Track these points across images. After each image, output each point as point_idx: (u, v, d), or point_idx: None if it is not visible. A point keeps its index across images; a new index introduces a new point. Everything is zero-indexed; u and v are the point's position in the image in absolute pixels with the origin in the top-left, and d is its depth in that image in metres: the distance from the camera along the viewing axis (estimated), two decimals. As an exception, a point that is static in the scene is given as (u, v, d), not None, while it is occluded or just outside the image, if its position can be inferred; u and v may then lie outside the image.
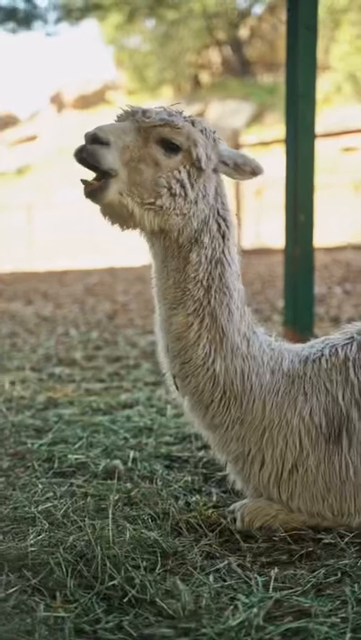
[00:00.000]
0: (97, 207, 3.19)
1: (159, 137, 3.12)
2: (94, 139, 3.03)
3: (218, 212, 3.24)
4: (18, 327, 9.98)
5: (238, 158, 3.25)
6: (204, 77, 49.71)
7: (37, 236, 33.47)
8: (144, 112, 3.16)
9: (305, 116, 6.57)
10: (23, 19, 26.55)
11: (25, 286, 16.69)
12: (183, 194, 3.13)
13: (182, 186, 3.13)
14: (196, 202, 3.17)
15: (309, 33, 6.56)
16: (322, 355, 3.34)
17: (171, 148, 3.13)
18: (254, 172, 3.27)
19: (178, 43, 45.78)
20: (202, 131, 3.20)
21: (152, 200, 3.10)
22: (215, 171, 3.25)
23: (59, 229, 31.51)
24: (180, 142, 3.13)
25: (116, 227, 3.23)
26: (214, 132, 3.27)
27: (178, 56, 46.53)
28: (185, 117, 3.22)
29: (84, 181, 3.10)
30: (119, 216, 3.15)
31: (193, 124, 3.20)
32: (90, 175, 3.13)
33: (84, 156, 3.02)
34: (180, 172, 3.13)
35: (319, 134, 7.13)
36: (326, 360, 3.31)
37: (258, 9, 48.50)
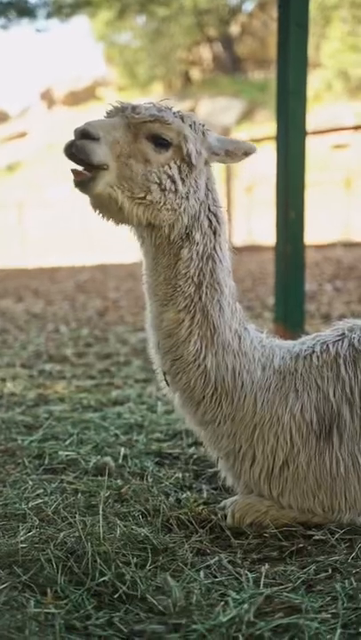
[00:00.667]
0: (88, 203, 3.18)
1: (149, 133, 3.11)
2: (84, 134, 3.01)
3: (209, 208, 3.23)
4: (8, 324, 9.97)
5: (229, 145, 3.27)
6: (195, 74, 49.69)
7: (28, 233, 33.40)
8: (133, 108, 3.16)
9: (296, 113, 6.57)
10: (14, 14, 26.46)
11: (15, 283, 16.67)
12: (174, 189, 3.12)
13: (173, 181, 3.12)
14: (187, 197, 3.16)
15: (300, 30, 6.56)
16: (313, 351, 3.34)
17: (161, 143, 3.12)
18: (247, 152, 3.27)
19: (168, 39, 45.74)
20: (191, 125, 3.19)
21: (142, 195, 3.09)
22: (207, 164, 3.25)
23: (50, 226, 31.46)
24: (170, 138, 3.12)
25: (109, 221, 3.21)
26: (203, 126, 3.26)
27: (168, 53, 46.49)
28: (174, 113, 3.21)
29: (74, 171, 3.07)
30: (108, 209, 3.14)
31: (182, 119, 3.19)
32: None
33: (74, 152, 3.00)
34: (170, 167, 3.12)
35: (310, 132, 7.11)
36: (317, 357, 3.31)
37: (249, 6, 48.54)
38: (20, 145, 50.53)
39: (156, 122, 3.11)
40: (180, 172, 3.14)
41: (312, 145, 7.14)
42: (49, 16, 28.35)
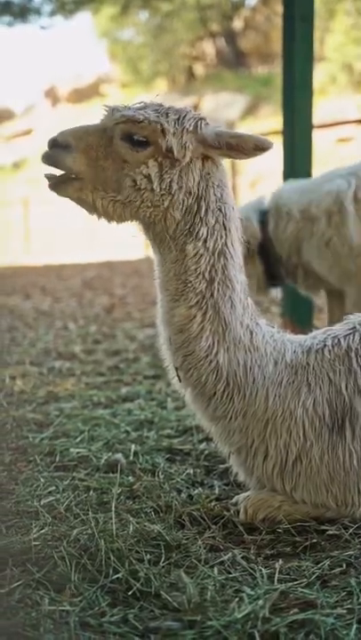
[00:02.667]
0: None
1: (123, 133, 3.14)
2: (54, 143, 3.16)
3: (210, 203, 3.19)
4: (17, 321, 9.97)
5: (230, 139, 3.16)
6: (198, 69, 49.61)
7: (34, 231, 33.43)
8: (112, 111, 3.21)
9: (302, 106, 6.58)
10: (18, 12, 26.46)
11: (23, 280, 16.69)
12: (150, 187, 3.12)
13: (149, 180, 3.12)
14: (169, 192, 3.14)
15: (305, 24, 6.57)
16: (325, 345, 3.33)
17: (137, 142, 3.13)
18: (258, 147, 3.15)
19: (172, 35, 45.65)
20: (177, 119, 3.15)
21: (114, 195, 3.15)
22: (203, 159, 3.20)
23: (56, 223, 31.47)
24: (144, 136, 3.12)
25: (99, 218, 3.29)
26: (199, 119, 3.19)
27: (172, 48, 46.42)
28: (157, 109, 3.19)
29: (47, 176, 3.25)
30: (86, 208, 3.26)
31: (166, 114, 3.16)
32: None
33: (44, 161, 3.18)
34: (147, 165, 3.12)
35: (315, 125, 7.11)
36: (329, 350, 3.30)
37: (251, 0, 48.44)
38: (25, 142, 50.54)
39: (128, 122, 3.13)
40: (160, 168, 3.13)
41: (317, 139, 7.12)
42: (53, 13, 28.36)
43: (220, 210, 3.21)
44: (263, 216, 6.05)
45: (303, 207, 5.81)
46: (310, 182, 6.05)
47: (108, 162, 3.14)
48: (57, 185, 3.22)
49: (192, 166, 3.17)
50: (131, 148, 3.12)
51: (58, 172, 3.22)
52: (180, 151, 3.12)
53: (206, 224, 3.18)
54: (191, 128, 3.15)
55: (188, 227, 3.18)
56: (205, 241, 3.18)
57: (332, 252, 5.69)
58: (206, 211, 3.18)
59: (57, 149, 3.16)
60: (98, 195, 3.16)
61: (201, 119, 3.20)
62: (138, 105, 3.24)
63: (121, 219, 3.23)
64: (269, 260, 6.09)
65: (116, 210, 3.18)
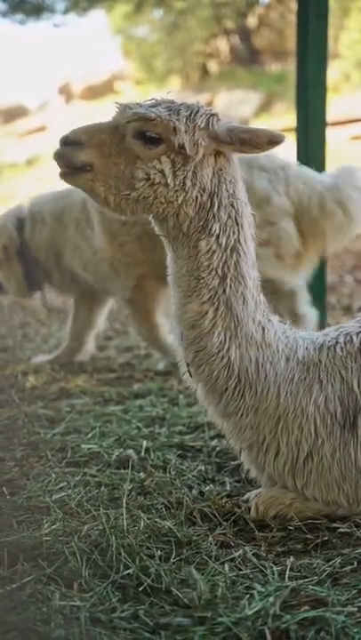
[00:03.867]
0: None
1: (135, 131, 3.15)
2: (66, 141, 3.19)
3: (222, 199, 3.19)
4: (29, 317, 9.98)
5: (243, 134, 3.14)
6: (213, 67, 49.49)
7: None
8: (123, 108, 3.23)
9: (316, 104, 6.57)
10: (31, 9, 26.45)
11: (35, 277, 16.67)
12: (164, 182, 3.13)
13: (163, 175, 3.13)
14: (183, 189, 3.14)
15: (320, 21, 6.55)
16: (337, 342, 3.32)
17: (150, 140, 3.13)
18: (271, 140, 3.15)
19: (186, 32, 45.55)
20: (189, 116, 3.16)
21: (128, 192, 3.15)
22: (216, 155, 3.20)
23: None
24: (157, 133, 3.13)
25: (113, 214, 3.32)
26: (211, 115, 3.19)
27: (186, 45, 46.30)
28: (169, 106, 3.19)
29: (59, 164, 3.25)
30: (97, 202, 3.28)
31: (178, 112, 3.16)
32: None
33: (56, 159, 3.21)
34: (160, 161, 3.13)
35: (328, 123, 7.09)
36: (341, 347, 3.29)
37: (266, -3, 48.31)
38: (40, 139, 50.52)
39: (140, 120, 3.14)
40: (173, 164, 3.13)
41: (330, 136, 7.09)
42: (66, 11, 28.34)
43: (232, 206, 3.21)
44: (20, 222, 6.66)
45: (56, 214, 6.49)
46: (65, 190, 6.44)
47: (120, 158, 3.15)
48: (68, 174, 3.23)
49: (205, 163, 3.17)
50: (143, 146, 3.13)
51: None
52: (192, 148, 3.12)
53: (219, 220, 3.17)
54: (203, 124, 3.15)
55: (201, 223, 3.18)
56: (218, 237, 3.18)
57: (82, 256, 6.36)
58: (219, 207, 3.18)
59: (69, 147, 3.19)
60: (110, 191, 3.17)
61: (213, 115, 3.20)
62: (149, 102, 3.25)
63: (133, 213, 3.24)
64: (28, 263, 6.64)
65: (128, 205, 3.19)
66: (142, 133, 3.14)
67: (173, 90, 43.70)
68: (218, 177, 3.20)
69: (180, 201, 3.16)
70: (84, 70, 53.39)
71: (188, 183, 3.15)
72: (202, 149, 3.15)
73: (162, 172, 3.12)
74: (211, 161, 3.20)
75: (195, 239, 3.20)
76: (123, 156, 3.15)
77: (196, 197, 3.16)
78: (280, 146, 3.19)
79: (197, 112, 3.18)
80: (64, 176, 3.24)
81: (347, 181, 5.82)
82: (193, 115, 3.16)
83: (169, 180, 3.13)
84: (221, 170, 3.22)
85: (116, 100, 3.34)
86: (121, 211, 3.23)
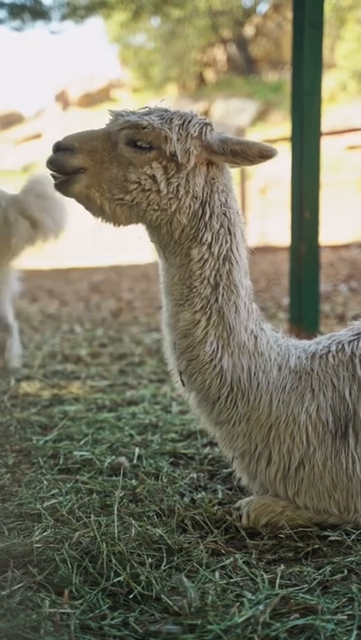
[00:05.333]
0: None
1: (127, 138, 3.17)
2: (58, 147, 3.20)
3: (215, 208, 3.20)
4: (23, 324, 9.97)
5: (235, 145, 3.15)
6: (209, 75, 49.59)
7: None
8: (116, 116, 3.26)
9: (311, 113, 6.58)
10: (29, 16, 26.48)
11: (30, 284, 16.65)
12: (156, 189, 3.14)
13: (155, 181, 3.14)
14: (176, 196, 3.15)
15: (315, 31, 6.57)
16: (329, 351, 3.33)
17: (141, 147, 3.15)
18: (262, 154, 3.15)
19: (183, 41, 45.68)
20: (181, 124, 3.16)
21: (121, 196, 3.16)
22: (208, 164, 3.21)
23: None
24: (148, 141, 3.14)
25: (106, 223, 3.30)
26: (204, 125, 3.20)
27: (183, 54, 46.41)
28: (162, 114, 3.20)
29: (53, 175, 3.25)
30: (91, 210, 3.26)
31: (170, 120, 3.17)
32: None
33: (48, 166, 3.21)
34: (152, 167, 3.14)
35: (324, 132, 7.12)
36: (333, 356, 3.30)
37: (263, 7, 48.43)
38: (35, 146, 50.59)
39: (132, 128, 3.16)
40: (165, 171, 3.14)
41: (326, 146, 7.12)
42: (63, 18, 28.37)
43: (224, 215, 3.21)
44: None
45: None
46: None
47: (112, 164, 3.17)
48: (62, 184, 3.24)
49: (197, 171, 3.18)
50: (135, 152, 3.15)
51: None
52: (183, 156, 3.13)
53: (211, 229, 3.18)
54: (196, 133, 3.16)
55: (193, 231, 3.18)
56: (210, 246, 3.18)
57: None
58: (211, 215, 3.18)
59: (61, 153, 3.20)
60: (105, 196, 3.18)
61: (206, 124, 3.21)
62: (143, 110, 3.27)
63: (128, 221, 3.25)
64: None
65: (123, 212, 3.20)
66: (134, 141, 3.16)
67: (170, 98, 43.76)
68: (210, 186, 3.21)
69: (173, 208, 3.16)
70: (81, 77, 53.37)
71: (182, 191, 3.15)
72: (193, 158, 3.16)
73: (153, 177, 3.14)
74: (203, 170, 3.20)
75: (186, 247, 3.20)
76: (115, 162, 3.17)
77: (190, 205, 3.17)
78: (271, 160, 3.18)
79: (190, 121, 3.19)
80: (59, 186, 3.25)
81: (30, 191, 6.05)
82: (186, 123, 3.17)
83: (162, 187, 3.14)
84: (214, 179, 3.22)
85: (109, 109, 3.36)
86: (116, 218, 3.23)
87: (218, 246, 3.19)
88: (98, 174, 3.17)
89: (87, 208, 3.29)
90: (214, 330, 3.22)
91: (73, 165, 3.18)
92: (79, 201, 3.27)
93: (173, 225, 3.19)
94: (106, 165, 3.17)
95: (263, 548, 3.14)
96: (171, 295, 3.28)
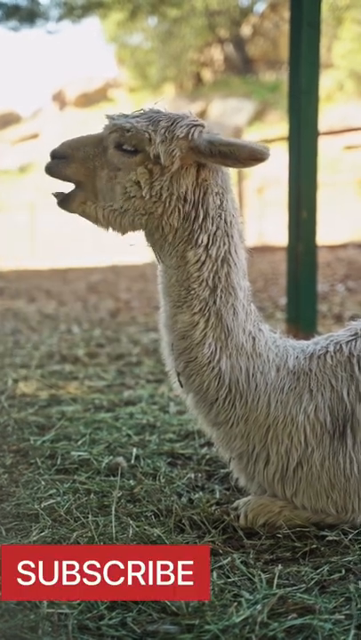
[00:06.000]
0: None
1: (115, 142, 3.20)
2: (54, 155, 3.27)
3: (209, 211, 3.18)
4: (21, 324, 9.98)
5: (223, 147, 3.07)
6: (206, 75, 49.64)
7: (40, 235, 33.47)
8: (109, 120, 3.28)
9: (308, 113, 6.58)
10: (26, 16, 26.49)
11: (28, 284, 16.70)
12: (140, 194, 3.16)
13: (139, 187, 3.15)
14: (160, 199, 3.16)
15: (312, 30, 6.57)
16: (327, 351, 3.33)
17: (127, 151, 3.17)
18: (253, 156, 3.06)
19: (180, 40, 45.71)
20: (168, 126, 3.15)
21: (110, 204, 3.21)
22: (199, 166, 3.17)
23: (61, 227, 31.50)
24: (133, 144, 3.16)
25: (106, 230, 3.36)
26: (193, 126, 3.16)
27: (180, 54, 46.44)
28: (152, 116, 3.21)
29: (54, 194, 3.35)
30: (92, 221, 3.33)
31: (157, 122, 3.17)
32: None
33: (47, 173, 3.29)
34: (137, 172, 3.15)
35: (321, 132, 7.11)
36: (331, 357, 3.30)
37: (260, 7, 48.46)
38: (32, 146, 50.59)
39: (118, 131, 3.19)
40: (150, 175, 3.15)
41: (323, 146, 7.13)
42: (60, 18, 28.37)
43: (220, 217, 3.20)
44: None
45: None
46: None
47: (104, 171, 3.21)
48: (61, 203, 3.33)
49: (184, 173, 3.16)
50: (122, 156, 3.18)
51: (67, 191, 3.32)
52: (167, 158, 3.12)
53: (206, 231, 3.17)
54: (182, 135, 3.13)
55: (187, 234, 3.18)
56: (207, 248, 3.17)
57: None
58: (205, 218, 3.17)
59: (57, 160, 3.26)
60: (99, 205, 3.23)
61: (195, 126, 3.17)
62: (136, 113, 3.28)
63: (122, 229, 3.27)
64: None
65: (115, 219, 3.23)
66: (120, 145, 3.18)
67: (167, 98, 43.75)
68: (202, 188, 3.19)
69: (159, 212, 3.17)
70: (78, 77, 53.35)
71: (165, 193, 3.15)
72: (178, 160, 3.14)
73: (138, 183, 3.16)
74: (192, 172, 3.18)
75: (182, 249, 3.20)
76: (106, 168, 3.21)
77: (177, 208, 3.16)
78: (264, 162, 3.11)
79: (178, 122, 3.17)
80: (60, 205, 3.33)
81: None
82: (173, 125, 3.16)
83: (144, 192, 3.15)
84: (206, 181, 3.19)
85: (108, 110, 3.36)
86: (112, 226, 3.27)
87: (215, 248, 3.19)
88: (91, 185, 3.23)
89: (89, 220, 3.34)
90: (212, 332, 3.22)
91: (67, 175, 3.26)
92: (80, 216, 3.34)
93: (165, 228, 3.20)
94: (98, 172, 3.22)
95: (261, 548, 3.14)
96: (169, 297, 3.28)
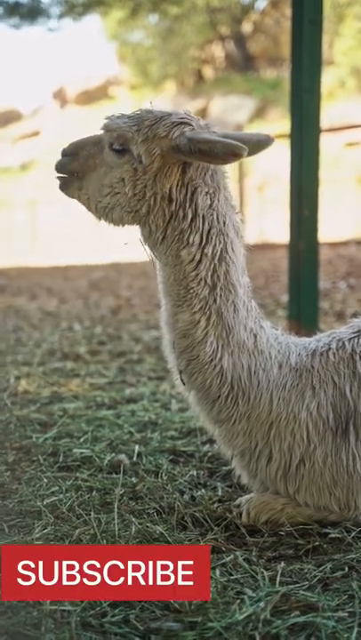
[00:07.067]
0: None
1: (108, 142, 3.28)
2: (64, 153, 3.45)
3: (198, 210, 3.16)
4: (22, 322, 9.98)
5: (202, 144, 3.04)
6: (207, 72, 49.60)
7: (41, 232, 33.48)
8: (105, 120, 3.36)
9: (310, 110, 6.55)
10: (26, 14, 26.48)
11: (29, 281, 16.70)
12: (123, 192, 3.22)
13: (123, 183, 3.22)
14: (144, 199, 3.19)
15: (314, 27, 6.54)
16: (329, 348, 3.33)
17: (117, 150, 3.24)
18: (232, 153, 3.01)
19: (181, 38, 45.68)
20: (151, 125, 3.17)
21: (100, 199, 3.30)
22: (184, 165, 3.15)
23: (62, 225, 31.52)
24: (121, 144, 3.22)
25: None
26: (176, 125, 3.15)
27: (181, 51, 46.41)
28: (139, 115, 3.25)
29: (58, 177, 3.47)
30: (87, 209, 3.43)
31: (142, 121, 3.20)
32: None
33: (56, 169, 3.45)
34: (122, 170, 3.22)
35: (323, 129, 7.09)
36: (334, 353, 3.30)
37: (261, 4, 48.44)
38: (33, 144, 50.60)
39: (108, 131, 3.28)
40: (134, 173, 3.20)
41: (325, 143, 7.13)
42: (61, 15, 28.35)
43: (212, 216, 3.19)
44: None
45: None
46: None
47: (101, 169, 3.30)
48: (61, 186, 3.45)
49: (167, 172, 3.16)
50: (114, 156, 3.25)
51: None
52: (147, 157, 3.16)
53: (197, 230, 3.16)
54: (163, 134, 3.14)
55: (177, 233, 3.18)
56: (201, 247, 3.17)
57: None
58: (194, 217, 3.16)
59: (66, 158, 3.40)
60: (91, 199, 3.34)
61: (179, 124, 3.15)
62: (131, 113, 3.33)
63: (114, 222, 3.35)
64: None
65: (107, 214, 3.32)
66: (111, 145, 3.26)
67: (168, 95, 43.72)
68: (189, 188, 3.17)
69: (144, 211, 3.21)
70: (79, 75, 53.34)
71: (148, 193, 3.18)
72: (159, 159, 3.15)
73: (122, 180, 3.22)
74: (175, 171, 3.17)
75: (175, 249, 3.21)
76: (103, 166, 3.30)
77: (163, 208, 3.18)
78: (242, 158, 3.07)
79: (162, 121, 3.18)
80: (60, 187, 3.46)
81: None
82: (156, 124, 3.17)
83: (127, 189, 3.21)
84: (193, 180, 3.18)
85: (109, 108, 3.40)
86: (104, 219, 3.37)
87: (211, 247, 3.18)
88: (88, 179, 3.33)
89: (85, 207, 3.44)
90: (214, 330, 3.21)
91: (71, 170, 3.38)
92: (78, 201, 3.44)
93: (152, 227, 3.23)
94: (97, 169, 3.31)
95: (263, 546, 3.14)
96: (169, 296, 3.28)
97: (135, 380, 6.17)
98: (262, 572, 2.84)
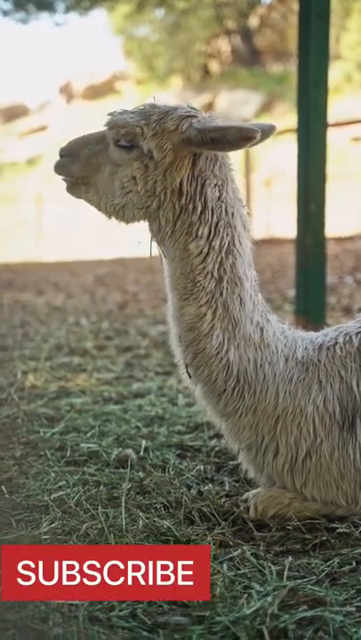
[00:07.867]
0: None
1: (113, 139, 3.25)
2: (62, 153, 3.40)
3: (207, 202, 3.17)
4: (29, 317, 9.98)
5: (213, 133, 3.06)
6: (214, 67, 49.49)
7: (47, 227, 33.47)
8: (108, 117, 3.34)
9: (317, 104, 6.55)
10: (33, 8, 26.51)
11: (36, 276, 16.70)
12: (135, 189, 3.21)
13: (134, 181, 3.20)
14: (154, 194, 3.19)
15: (321, 21, 6.54)
16: (336, 342, 3.32)
17: (124, 146, 3.22)
18: (244, 136, 3.03)
19: (187, 32, 45.54)
20: (159, 120, 3.17)
21: (111, 199, 3.29)
22: (194, 157, 3.16)
23: (69, 220, 31.50)
24: (128, 141, 3.21)
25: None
26: (184, 118, 3.15)
27: (187, 45, 46.28)
28: (147, 110, 3.24)
29: (64, 180, 3.45)
30: (96, 209, 3.42)
31: (149, 116, 3.19)
32: None
33: (56, 171, 3.44)
34: (133, 168, 3.20)
35: (329, 124, 7.08)
36: (341, 348, 3.30)
37: (267, -2, 48.30)
38: (40, 139, 50.57)
39: (114, 127, 3.25)
40: (145, 170, 3.19)
41: (332, 137, 7.11)
42: (68, 10, 28.36)
43: (221, 208, 3.19)
44: None
45: None
46: None
47: (107, 167, 3.28)
48: (69, 189, 3.45)
49: (178, 166, 3.16)
50: (120, 152, 3.23)
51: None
52: (159, 152, 3.15)
53: (206, 223, 3.17)
54: (172, 127, 3.14)
55: (186, 226, 3.18)
56: (209, 240, 3.17)
57: None
58: (203, 210, 3.17)
59: (65, 159, 3.38)
60: (101, 199, 3.33)
61: (186, 117, 3.16)
62: (135, 108, 3.32)
63: (125, 220, 3.35)
64: None
65: (118, 212, 3.31)
66: (117, 141, 3.23)
67: (174, 90, 43.68)
68: (199, 180, 3.18)
69: (155, 206, 3.21)
70: (85, 70, 53.32)
71: (159, 188, 3.18)
72: (171, 153, 3.15)
73: (133, 178, 3.21)
74: (186, 164, 3.17)
75: (183, 242, 3.21)
76: (108, 164, 3.28)
77: (173, 202, 3.18)
78: (255, 141, 3.06)
79: (170, 115, 3.18)
80: (67, 189, 3.45)
81: None
82: (164, 118, 3.17)
83: (139, 187, 3.20)
84: (203, 172, 3.19)
85: (115, 102, 3.39)
86: (115, 216, 3.36)
87: (218, 240, 3.18)
88: (95, 180, 3.32)
89: (94, 207, 3.43)
90: (220, 323, 3.21)
91: (73, 173, 3.37)
92: (86, 202, 3.44)
93: (162, 221, 3.23)
94: (102, 169, 3.30)
95: (271, 540, 3.14)
96: (175, 289, 3.28)
97: (142, 375, 6.17)
98: (270, 567, 2.84)
